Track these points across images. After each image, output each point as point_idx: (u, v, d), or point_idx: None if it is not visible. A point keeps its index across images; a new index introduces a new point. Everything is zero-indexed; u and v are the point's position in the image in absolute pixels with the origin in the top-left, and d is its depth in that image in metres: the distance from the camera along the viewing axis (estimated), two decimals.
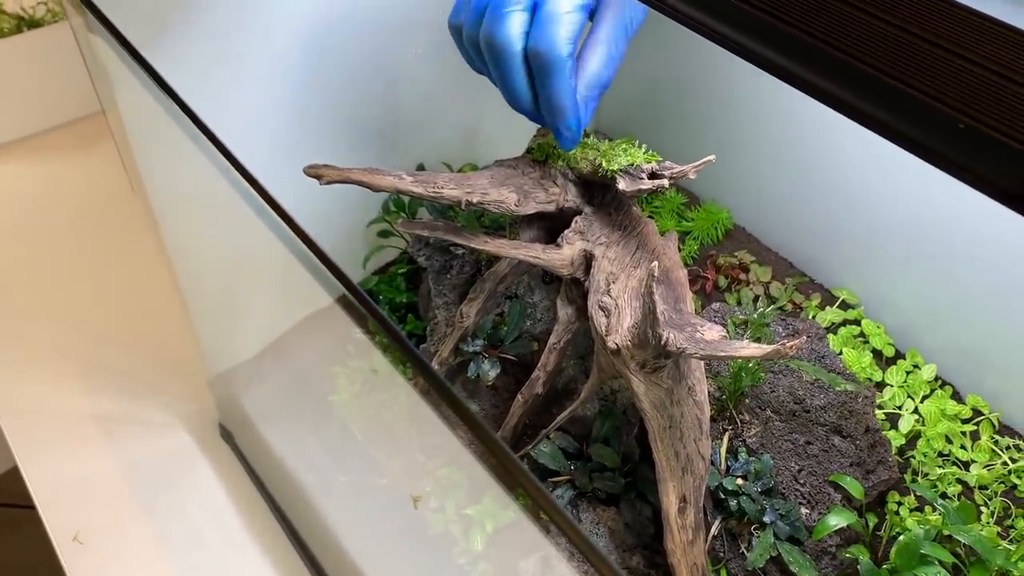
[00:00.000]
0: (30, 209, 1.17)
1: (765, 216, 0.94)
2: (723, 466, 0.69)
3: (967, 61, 0.37)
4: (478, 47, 0.62)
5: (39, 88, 1.25)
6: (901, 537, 0.66)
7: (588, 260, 0.67)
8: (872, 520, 0.72)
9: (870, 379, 0.82)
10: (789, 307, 0.87)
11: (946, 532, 0.66)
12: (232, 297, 0.85)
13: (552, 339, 0.71)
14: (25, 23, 1.25)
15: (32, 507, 0.86)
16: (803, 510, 0.68)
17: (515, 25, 0.58)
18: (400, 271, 0.92)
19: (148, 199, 0.73)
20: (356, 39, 0.82)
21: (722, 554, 0.67)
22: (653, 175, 0.62)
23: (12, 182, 1.20)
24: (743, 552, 0.67)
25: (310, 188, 0.64)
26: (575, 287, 0.69)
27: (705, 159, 0.61)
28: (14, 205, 1.17)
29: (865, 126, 0.39)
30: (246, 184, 0.50)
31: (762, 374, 0.72)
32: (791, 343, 0.52)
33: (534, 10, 0.59)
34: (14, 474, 0.90)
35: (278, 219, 0.49)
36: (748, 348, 0.55)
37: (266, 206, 0.50)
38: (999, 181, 0.37)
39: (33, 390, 0.94)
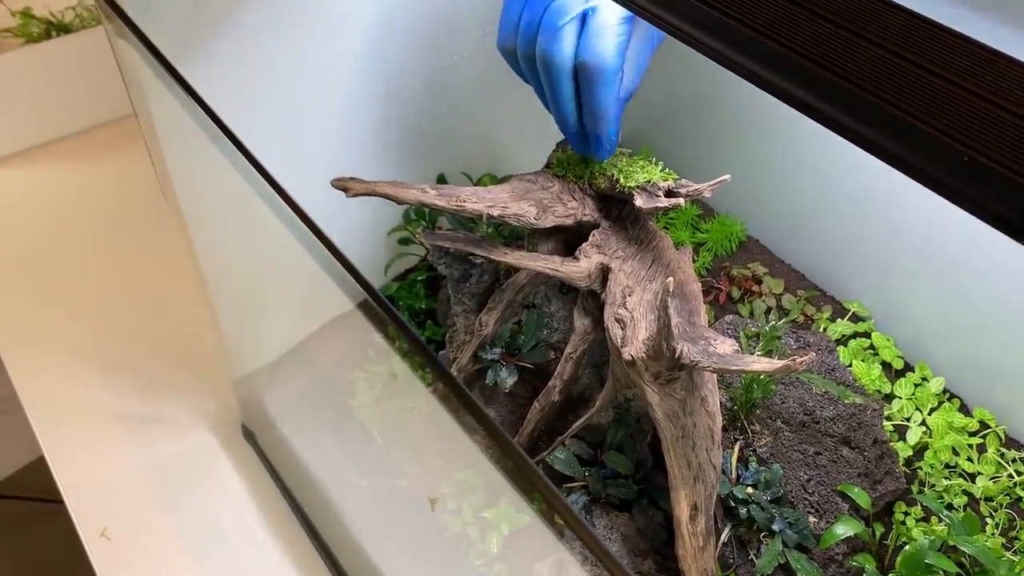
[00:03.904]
0: (58, 211, 1.19)
1: (779, 229, 0.96)
2: (734, 475, 0.71)
3: (973, 95, 0.39)
4: (533, 66, 0.65)
5: (69, 93, 1.28)
6: (907, 547, 0.67)
7: (605, 273, 0.69)
8: (879, 529, 0.73)
9: (879, 391, 0.83)
10: (801, 319, 0.89)
11: (951, 542, 0.68)
12: (257, 301, 0.87)
13: (568, 349, 0.73)
14: (54, 28, 1.28)
15: (53, 501, 0.89)
16: (811, 519, 0.70)
17: (568, 41, 0.61)
18: (419, 278, 0.94)
19: (178, 204, 0.76)
20: (379, 51, 0.84)
21: (732, 561, 0.69)
22: (670, 193, 0.64)
23: (41, 185, 1.23)
24: (752, 559, 0.68)
25: (333, 196, 0.66)
26: (592, 299, 0.71)
27: (720, 178, 0.62)
28: (42, 208, 1.20)
29: (875, 155, 0.41)
30: (272, 191, 0.53)
31: (773, 386, 0.74)
32: (801, 359, 0.54)
33: (582, 22, 0.62)
34: (35, 467, 0.92)
35: (302, 226, 0.51)
36: (760, 363, 0.57)
37: (291, 213, 0.52)
38: (1002, 212, 0.39)
39: (62, 389, 0.97)
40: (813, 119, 0.42)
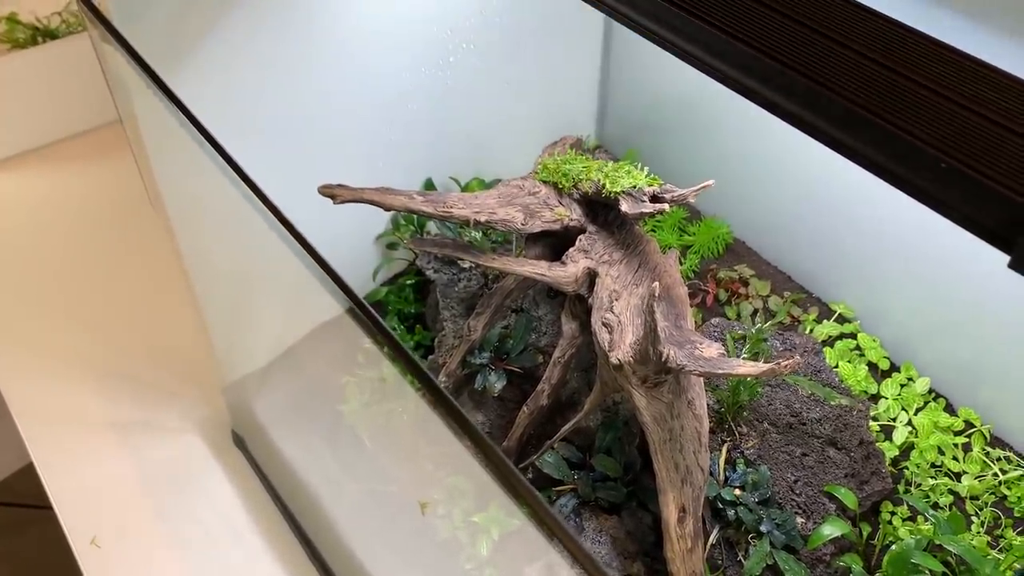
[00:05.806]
0: (44, 217, 1.19)
1: (765, 231, 0.96)
2: (721, 477, 0.71)
3: (953, 103, 0.39)
4: None
5: (56, 98, 1.27)
6: (893, 547, 0.68)
7: (592, 277, 0.69)
8: (866, 529, 0.74)
9: (865, 392, 0.84)
10: (787, 320, 0.90)
11: (937, 542, 0.68)
12: (246, 307, 0.87)
13: (556, 353, 0.73)
14: (40, 33, 1.28)
15: (43, 507, 0.88)
16: (799, 520, 0.70)
17: None
18: (408, 282, 0.94)
19: (165, 211, 0.76)
20: (366, 57, 0.84)
21: (720, 562, 0.69)
22: (655, 198, 0.65)
23: (27, 191, 1.23)
24: (740, 560, 0.69)
25: (321, 202, 0.66)
26: (579, 303, 0.72)
27: (704, 184, 0.63)
28: (31, 214, 1.19)
29: (860, 165, 0.42)
30: (258, 199, 0.53)
31: (760, 388, 0.74)
32: (786, 363, 0.54)
33: None
34: (24, 474, 0.92)
35: (288, 232, 0.51)
36: (745, 366, 0.57)
37: (277, 221, 0.52)
38: (976, 217, 0.39)
39: (51, 396, 0.97)
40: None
